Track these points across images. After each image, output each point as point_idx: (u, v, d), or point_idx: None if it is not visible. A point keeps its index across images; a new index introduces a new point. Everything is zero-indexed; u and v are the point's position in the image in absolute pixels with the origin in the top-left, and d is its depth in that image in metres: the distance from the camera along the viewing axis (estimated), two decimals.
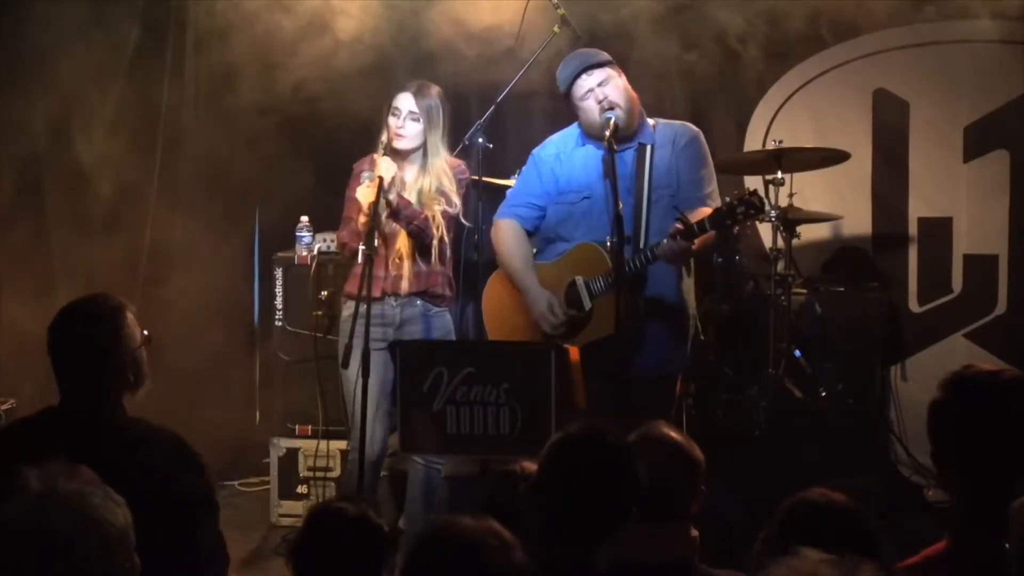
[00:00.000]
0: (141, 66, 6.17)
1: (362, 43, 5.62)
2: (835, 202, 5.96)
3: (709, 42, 5.82)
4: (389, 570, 2.63)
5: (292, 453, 5.58)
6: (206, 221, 6.06)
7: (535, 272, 4.70)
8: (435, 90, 4.90)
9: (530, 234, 4.81)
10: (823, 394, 5.27)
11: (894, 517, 4.57)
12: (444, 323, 4.97)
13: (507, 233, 4.79)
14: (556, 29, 5.28)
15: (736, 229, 4.60)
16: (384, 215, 4.77)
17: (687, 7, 5.73)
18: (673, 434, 3.11)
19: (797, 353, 5.31)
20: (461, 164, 5.00)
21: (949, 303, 6.09)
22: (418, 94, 4.85)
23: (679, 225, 4.29)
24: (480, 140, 5.07)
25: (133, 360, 3.00)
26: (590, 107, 4.60)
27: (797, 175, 5.45)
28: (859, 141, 6.01)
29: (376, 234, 4.63)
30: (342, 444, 5.40)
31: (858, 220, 6.08)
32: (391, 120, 4.85)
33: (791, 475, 4.49)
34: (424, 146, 4.88)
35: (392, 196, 4.74)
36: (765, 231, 5.66)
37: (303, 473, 5.57)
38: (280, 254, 5.70)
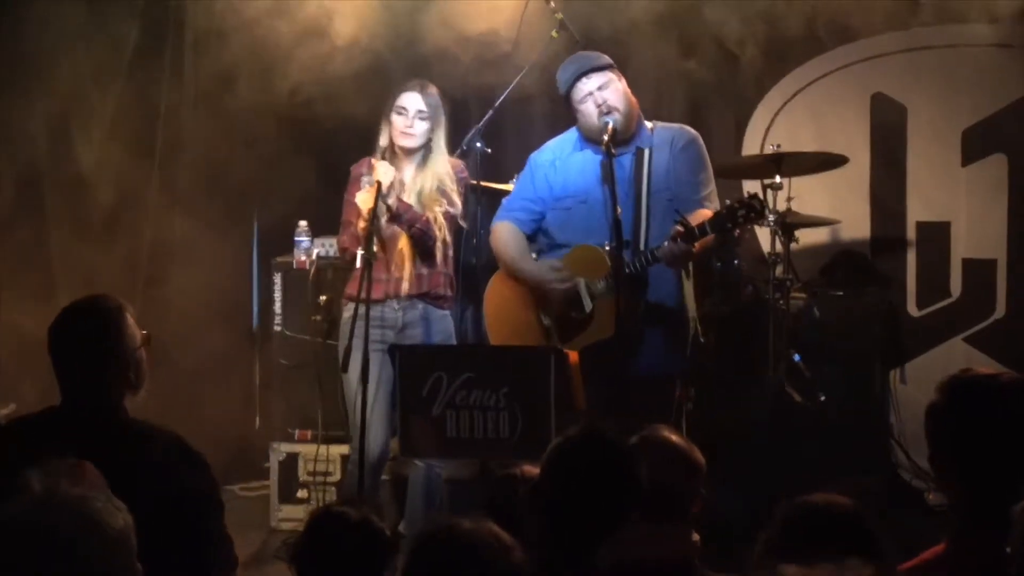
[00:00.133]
0: (140, 66, 6.16)
1: (359, 46, 5.61)
2: (833, 206, 5.95)
3: (707, 45, 5.80)
4: (391, 574, 2.63)
5: (292, 457, 5.58)
6: (206, 221, 6.04)
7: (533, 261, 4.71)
8: (435, 89, 4.91)
9: (529, 238, 4.82)
10: (822, 398, 5.26)
11: (894, 518, 4.57)
12: (445, 327, 4.96)
13: (504, 232, 4.80)
14: (554, 33, 5.24)
15: (736, 232, 4.60)
16: (384, 219, 4.77)
17: (686, 10, 5.72)
18: (674, 438, 3.12)
19: (796, 357, 5.30)
20: (461, 164, 5.00)
21: (948, 307, 6.08)
22: (424, 92, 4.85)
23: (679, 228, 4.29)
24: (478, 144, 5.07)
25: (134, 360, 2.99)
26: (589, 110, 4.60)
27: (795, 179, 5.44)
28: (857, 145, 6.00)
29: (375, 238, 4.63)
30: (342, 449, 5.40)
31: (856, 224, 6.07)
32: (397, 119, 4.84)
33: (791, 474, 4.51)
34: (427, 145, 4.88)
35: (391, 200, 4.74)
36: (763, 235, 5.66)
37: (303, 477, 5.56)
38: (279, 259, 5.69)
